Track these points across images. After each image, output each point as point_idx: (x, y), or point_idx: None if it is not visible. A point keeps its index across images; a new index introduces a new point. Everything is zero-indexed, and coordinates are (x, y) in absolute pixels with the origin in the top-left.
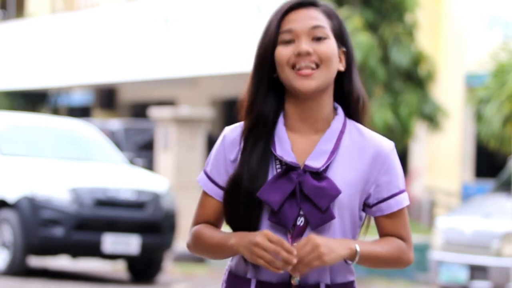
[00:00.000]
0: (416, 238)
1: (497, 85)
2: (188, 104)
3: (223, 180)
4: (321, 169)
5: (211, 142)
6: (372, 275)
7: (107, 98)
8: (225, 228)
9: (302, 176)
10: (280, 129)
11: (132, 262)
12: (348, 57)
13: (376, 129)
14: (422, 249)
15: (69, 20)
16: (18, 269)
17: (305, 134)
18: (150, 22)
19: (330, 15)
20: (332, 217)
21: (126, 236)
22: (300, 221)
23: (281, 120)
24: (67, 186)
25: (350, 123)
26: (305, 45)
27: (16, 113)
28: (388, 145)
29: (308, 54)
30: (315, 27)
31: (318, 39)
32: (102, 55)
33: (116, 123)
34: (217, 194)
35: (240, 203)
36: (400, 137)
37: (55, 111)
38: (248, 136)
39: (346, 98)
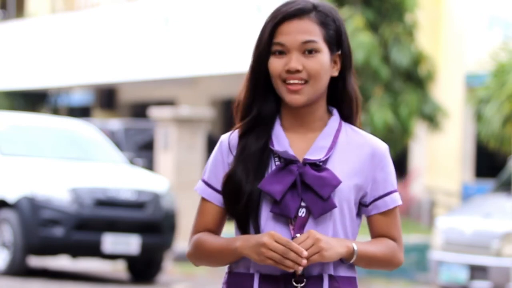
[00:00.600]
0: (416, 238)
1: (497, 85)
2: (188, 104)
3: (219, 182)
4: (321, 160)
5: (211, 142)
6: (372, 275)
7: (107, 98)
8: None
9: (302, 168)
10: (277, 129)
11: (132, 262)
12: (344, 59)
13: (376, 129)
14: (422, 249)
15: (69, 20)
16: (18, 269)
17: (301, 133)
18: (150, 22)
19: (324, 22)
20: (333, 205)
21: (126, 236)
22: (302, 212)
23: (277, 121)
24: (67, 186)
25: (346, 124)
26: (294, 62)
27: (16, 113)
28: (383, 145)
29: (297, 71)
30: (306, 42)
31: (309, 51)
32: (102, 55)
33: (116, 123)
34: (216, 199)
35: (240, 197)
36: (400, 137)
37: (55, 111)
38: (246, 136)
39: (340, 99)
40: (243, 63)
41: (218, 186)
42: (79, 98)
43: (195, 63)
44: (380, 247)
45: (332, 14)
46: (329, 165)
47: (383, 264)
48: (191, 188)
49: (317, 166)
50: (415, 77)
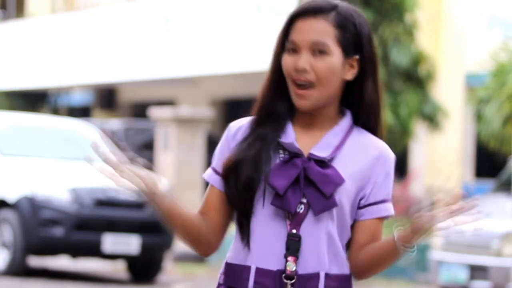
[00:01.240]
0: None
1: (497, 85)
2: (188, 104)
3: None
4: (327, 159)
5: (211, 142)
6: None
7: (107, 98)
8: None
9: (306, 163)
10: (287, 123)
11: (132, 262)
12: (364, 64)
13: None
14: (422, 249)
15: (69, 20)
16: (18, 269)
17: (310, 130)
18: (150, 22)
19: (341, 25)
20: (335, 204)
21: (126, 236)
22: (300, 208)
23: (288, 116)
24: (67, 186)
25: (356, 128)
26: (302, 62)
27: (16, 113)
28: (391, 153)
29: (304, 71)
30: (317, 43)
31: (320, 52)
32: (102, 55)
33: (116, 123)
34: (221, 185)
35: (239, 181)
36: (400, 137)
37: (55, 111)
38: (257, 127)
39: (357, 105)
40: (243, 63)
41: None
42: (79, 98)
43: (195, 63)
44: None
45: (353, 17)
46: (334, 164)
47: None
48: (191, 188)
49: (322, 163)
50: (415, 77)
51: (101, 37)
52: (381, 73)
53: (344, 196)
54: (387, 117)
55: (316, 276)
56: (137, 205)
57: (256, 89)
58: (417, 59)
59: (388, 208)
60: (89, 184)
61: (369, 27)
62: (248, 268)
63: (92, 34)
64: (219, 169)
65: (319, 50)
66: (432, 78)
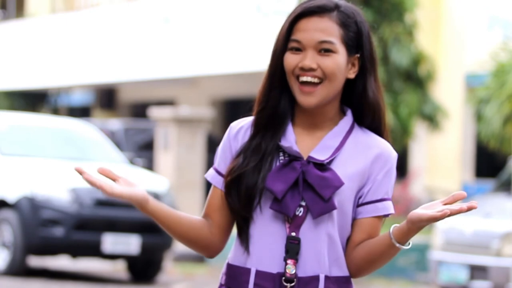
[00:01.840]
0: (416, 238)
1: (497, 85)
2: (188, 104)
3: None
4: (326, 161)
5: (211, 142)
6: (372, 275)
7: (107, 98)
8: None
9: (305, 166)
10: (287, 125)
11: (132, 262)
12: (364, 62)
13: None
14: (422, 249)
15: (69, 20)
16: (18, 269)
17: (310, 131)
18: (150, 22)
19: (345, 23)
20: (333, 207)
21: (126, 236)
22: (299, 211)
23: (289, 117)
24: (67, 186)
25: (358, 127)
26: (309, 60)
27: (16, 113)
28: (393, 152)
29: (311, 69)
30: (322, 42)
31: (326, 50)
32: (102, 55)
33: (116, 123)
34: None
35: (241, 191)
36: (400, 137)
37: (55, 111)
38: (258, 129)
39: (358, 103)
40: (243, 63)
41: (223, 169)
42: (79, 98)
43: (195, 63)
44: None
45: (354, 15)
46: (333, 166)
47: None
48: (191, 188)
49: (321, 165)
50: (415, 77)
51: (101, 37)
52: (381, 73)
53: (345, 197)
54: (387, 117)
55: (315, 278)
56: None
57: (256, 89)
58: (417, 59)
59: (387, 207)
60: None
61: (368, 25)
62: (248, 270)
63: (92, 34)
64: (222, 170)
65: (325, 49)
66: (432, 78)
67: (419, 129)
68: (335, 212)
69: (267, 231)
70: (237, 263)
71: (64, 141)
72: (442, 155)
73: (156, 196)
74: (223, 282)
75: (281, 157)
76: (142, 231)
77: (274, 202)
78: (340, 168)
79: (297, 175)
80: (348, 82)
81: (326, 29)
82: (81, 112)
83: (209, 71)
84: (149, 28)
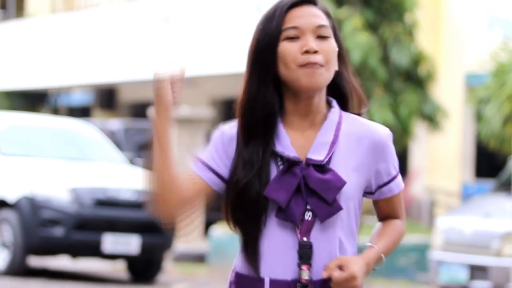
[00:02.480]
0: (416, 238)
1: (497, 85)
2: (188, 104)
3: (216, 164)
4: (324, 161)
5: None
6: (372, 275)
7: (107, 98)
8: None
9: (305, 170)
10: (278, 126)
11: (132, 262)
12: (339, 54)
13: None
14: (422, 249)
15: (69, 20)
16: (18, 269)
17: (301, 129)
18: (150, 22)
19: (328, 14)
20: (339, 208)
21: (126, 236)
22: (308, 215)
23: (278, 117)
24: (67, 186)
25: (346, 114)
26: (313, 43)
27: (16, 113)
28: (385, 132)
29: (315, 52)
30: (321, 26)
31: (322, 37)
32: (102, 55)
33: (116, 123)
34: (205, 175)
35: (246, 204)
36: (400, 137)
37: (55, 111)
38: (248, 134)
39: (340, 93)
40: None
41: (211, 163)
42: (79, 98)
43: (195, 63)
44: (392, 234)
45: (329, 12)
46: (333, 164)
47: (395, 247)
48: None
49: (321, 167)
50: (415, 77)
51: (101, 37)
52: (381, 73)
53: (349, 196)
54: (387, 117)
55: (329, 280)
56: (137, 205)
57: None
58: (417, 59)
59: (399, 183)
60: (89, 184)
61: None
62: (262, 280)
63: (92, 34)
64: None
65: (321, 35)
66: (432, 78)
67: (419, 129)
68: (343, 212)
69: (277, 238)
70: (247, 272)
71: (64, 141)
72: (442, 155)
73: None
74: None
75: (279, 163)
76: (142, 231)
77: (279, 211)
78: (340, 164)
79: (298, 181)
80: None
81: (320, 15)
82: (81, 112)
83: (209, 71)
84: (149, 28)
